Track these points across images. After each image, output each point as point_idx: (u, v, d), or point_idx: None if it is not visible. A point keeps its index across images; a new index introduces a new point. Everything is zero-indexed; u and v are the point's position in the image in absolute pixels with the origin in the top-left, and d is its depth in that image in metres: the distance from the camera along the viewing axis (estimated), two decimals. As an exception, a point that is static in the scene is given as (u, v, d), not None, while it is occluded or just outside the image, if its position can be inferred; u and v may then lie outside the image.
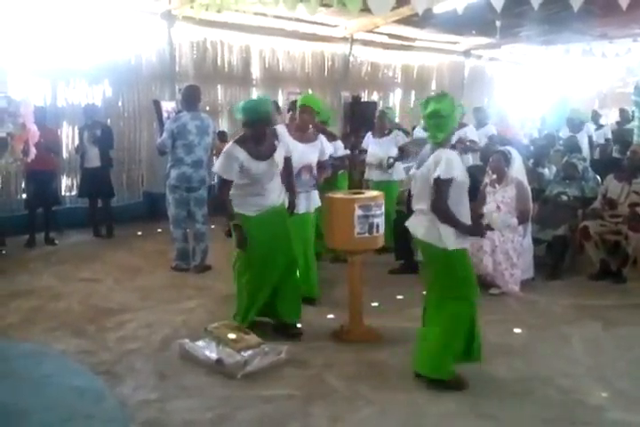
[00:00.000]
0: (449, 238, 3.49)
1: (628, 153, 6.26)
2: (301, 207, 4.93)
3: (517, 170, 5.76)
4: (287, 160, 4.49)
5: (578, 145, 8.16)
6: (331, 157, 5.49)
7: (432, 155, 3.54)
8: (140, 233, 8.04)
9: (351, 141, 8.23)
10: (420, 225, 3.63)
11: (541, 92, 14.53)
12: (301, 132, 5.04)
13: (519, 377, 3.76)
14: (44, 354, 3.81)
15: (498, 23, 9.43)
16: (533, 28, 10.71)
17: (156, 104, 7.04)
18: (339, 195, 4.51)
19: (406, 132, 8.01)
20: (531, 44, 12.33)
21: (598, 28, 10.88)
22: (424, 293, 3.90)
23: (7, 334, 4.26)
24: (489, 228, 4.72)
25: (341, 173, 6.66)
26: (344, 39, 10.89)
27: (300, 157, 4.84)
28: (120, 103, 8.76)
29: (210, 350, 3.90)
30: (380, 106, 10.96)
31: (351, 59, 11.31)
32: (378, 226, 4.20)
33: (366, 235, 4.16)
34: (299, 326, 4.48)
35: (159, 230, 7.91)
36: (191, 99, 6.12)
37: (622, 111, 11.25)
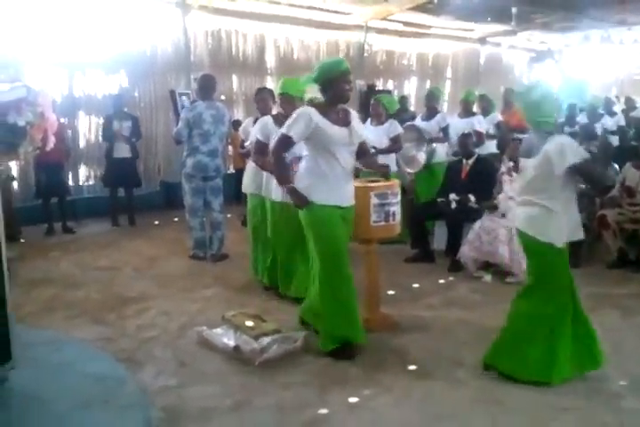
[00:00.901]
0: (558, 233, 3.36)
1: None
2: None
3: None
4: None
5: (595, 133, 8.07)
6: None
7: (546, 144, 3.35)
8: (157, 222, 8.10)
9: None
10: (525, 217, 3.48)
11: (559, 79, 14.37)
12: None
13: (536, 365, 3.76)
14: (65, 341, 3.85)
15: (514, 10, 9.36)
16: (550, 14, 10.60)
17: (172, 94, 7.06)
18: (355, 183, 4.50)
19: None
20: (547, 30, 12.20)
21: (616, 15, 10.74)
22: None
23: (27, 322, 4.31)
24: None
25: None
26: (359, 27, 10.84)
27: None
28: (136, 93, 8.80)
29: (227, 338, 3.93)
30: (396, 94, 10.89)
31: (366, 47, 11.26)
32: (394, 214, 4.17)
33: (382, 223, 4.14)
34: None
35: (176, 219, 7.97)
36: (206, 88, 6.12)
37: (628, 100, 11.20)
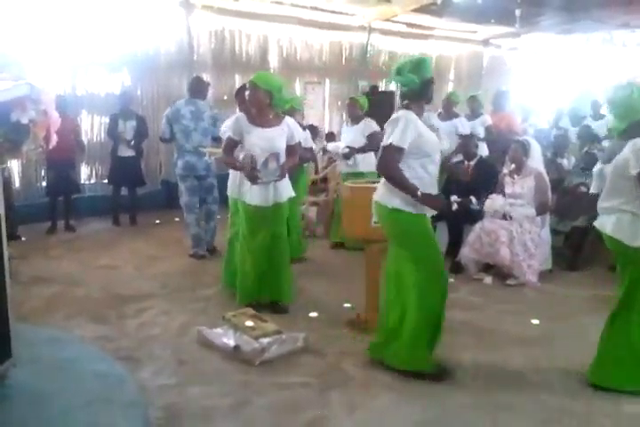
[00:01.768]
0: None
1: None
2: (269, 199, 4.56)
3: (536, 161, 5.73)
4: None
5: (595, 135, 8.08)
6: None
7: (624, 148, 3.27)
8: (158, 221, 8.10)
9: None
10: (609, 221, 3.39)
11: (561, 82, 14.35)
12: (260, 117, 4.54)
13: (537, 368, 3.76)
14: (65, 340, 3.84)
15: (517, 12, 9.34)
16: (553, 16, 10.58)
17: None
18: (356, 184, 4.50)
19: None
20: (550, 33, 12.19)
21: (619, 17, 10.72)
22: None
23: (28, 320, 4.31)
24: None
25: (306, 166, 6.51)
26: (362, 28, 10.83)
27: (264, 144, 4.47)
28: (139, 92, 8.79)
29: (228, 338, 3.93)
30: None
31: (369, 48, 11.25)
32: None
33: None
34: None
35: (177, 219, 7.95)
36: (194, 91, 6.32)
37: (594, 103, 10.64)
